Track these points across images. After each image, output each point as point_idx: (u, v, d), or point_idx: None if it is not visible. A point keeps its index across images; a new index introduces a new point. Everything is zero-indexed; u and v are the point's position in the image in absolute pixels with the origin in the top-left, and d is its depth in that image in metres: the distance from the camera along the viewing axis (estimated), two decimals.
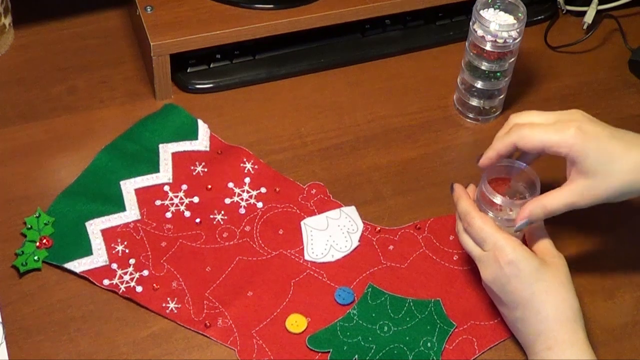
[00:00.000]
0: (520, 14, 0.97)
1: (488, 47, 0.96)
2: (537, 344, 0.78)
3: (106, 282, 0.86)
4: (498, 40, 0.96)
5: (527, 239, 0.85)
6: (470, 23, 0.97)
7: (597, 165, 0.79)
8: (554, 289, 0.79)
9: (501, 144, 0.84)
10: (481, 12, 0.97)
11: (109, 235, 0.89)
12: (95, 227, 0.89)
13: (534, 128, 0.82)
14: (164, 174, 0.95)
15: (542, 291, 0.79)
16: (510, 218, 0.84)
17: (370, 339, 0.83)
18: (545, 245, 0.83)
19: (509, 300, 0.80)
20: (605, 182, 0.80)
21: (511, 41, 0.96)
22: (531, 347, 0.79)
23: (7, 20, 1.06)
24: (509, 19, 0.97)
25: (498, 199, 0.84)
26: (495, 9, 0.98)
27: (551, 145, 0.80)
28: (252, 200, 0.94)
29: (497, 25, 0.95)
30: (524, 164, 0.86)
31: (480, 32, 0.96)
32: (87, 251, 0.87)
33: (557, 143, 0.80)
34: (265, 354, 0.82)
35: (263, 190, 0.95)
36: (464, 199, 0.85)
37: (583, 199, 0.81)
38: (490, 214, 0.84)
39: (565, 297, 0.79)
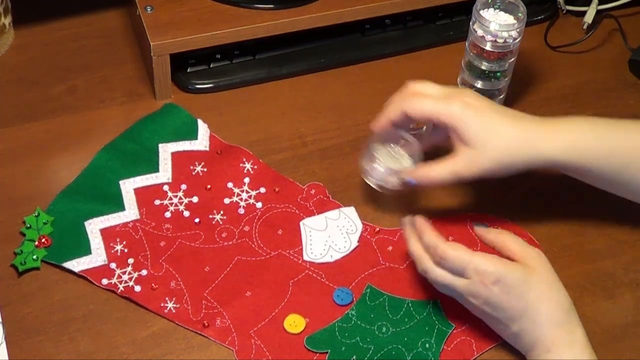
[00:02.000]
0: (520, 14, 0.96)
1: (488, 47, 0.96)
2: (535, 349, 0.79)
3: (105, 281, 0.86)
4: (498, 40, 0.95)
5: (499, 249, 0.84)
6: (470, 23, 0.97)
7: (478, 134, 0.83)
8: (545, 294, 0.79)
9: (392, 110, 0.87)
10: (481, 12, 0.96)
11: (108, 234, 0.89)
12: (94, 227, 0.90)
13: (424, 99, 0.86)
14: (164, 174, 0.95)
15: (534, 300, 0.78)
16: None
17: (368, 339, 0.83)
18: (518, 248, 0.82)
19: (504, 317, 0.80)
20: (486, 151, 0.83)
21: (511, 41, 0.96)
22: (530, 351, 0.79)
23: (7, 20, 1.07)
24: (509, 19, 0.97)
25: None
26: (495, 9, 0.98)
27: (437, 114, 0.84)
28: (252, 201, 0.94)
29: (497, 25, 0.95)
30: (408, 135, 0.89)
31: (480, 32, 0.96)
32: (86, 250, 0.88)
33: (442, 113, 0.84)
34: (264, 354, 0.82)
35: (262, 190, 0.95)
36: (429, 232, 0.82)
37: (468, 169, 0.84)
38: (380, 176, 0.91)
39: (557, 298, 0.79)
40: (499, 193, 0.96)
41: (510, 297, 0.78)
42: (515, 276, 0.79)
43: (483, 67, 0.98)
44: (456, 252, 0.80)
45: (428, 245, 0.82)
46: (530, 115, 0.87)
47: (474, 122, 0.83)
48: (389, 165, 0.85)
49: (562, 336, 0.78)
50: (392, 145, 0.87)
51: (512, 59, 0.99)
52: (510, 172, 0.85)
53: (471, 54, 0.99)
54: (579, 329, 0.79)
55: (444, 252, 0.80)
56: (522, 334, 0.79)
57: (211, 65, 1.06)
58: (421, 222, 0.84)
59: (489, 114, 0.84)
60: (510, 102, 1.06)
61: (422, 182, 0.87)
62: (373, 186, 0.92)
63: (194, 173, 0.96)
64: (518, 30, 0.96)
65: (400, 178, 0.89)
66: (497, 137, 0.83)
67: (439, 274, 0.81)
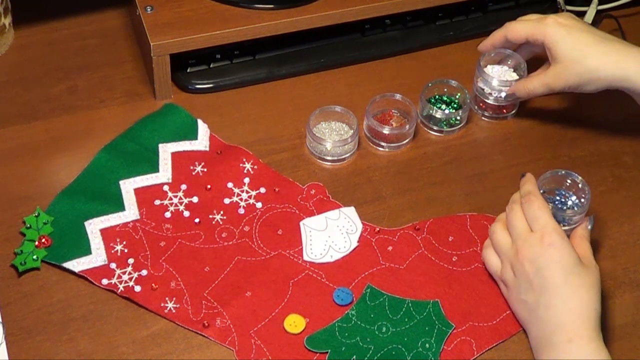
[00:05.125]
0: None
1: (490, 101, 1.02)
2: (556, 335, 0.79)
3: (105, 281, 0.86)
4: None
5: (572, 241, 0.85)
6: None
7: (567, 50, 0.93)
8: (585, 287, 0.80)
9: (495, 36, 1.01)
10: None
11: (108, 234, 0.89)
12: (94, 227, 0.90)
13: (521, 22, 0.98)
14: (164, 174, 0.95)
15: (574, 284, 0.80)
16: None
17: (368, 339, 0.83)
18: (585, 252, 0.85)
19: (539, 284, 0.81)
20: (574, 66, 0.93)
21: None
22: (549, 337, 0.79)
23: (7, 20, 1.07)
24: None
25: (386, 130, 0.99)
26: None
27: (532, 33, 0.96)
28: (252, 201, 0.94)
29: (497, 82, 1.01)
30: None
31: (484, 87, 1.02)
32: (86, 250, 0.88)
33: (535, 32, 0.95)
34: (264, 354, 0.82)
35: (262, 190, 0.95)
36: (532, 184, 0.87)
37: (555, 81, 0.95)
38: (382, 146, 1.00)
39: (592, 298, 0.80)
40: (501, 193, 0.96)
41: (557, 268, 0.80)
42: (571, 255, 0.81)
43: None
44: (540, 204, 0.84)
45: (525, 190, 0.86)
46: (618, 38, 0.95)
47: (564, 41, 0.93)
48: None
49: (586, 331, 0.78)
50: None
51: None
52: (592, 88, 0.95)
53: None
54: (600, 333, 0.79)
55: (534, 197, 0.85)
56: (549, 310, 0.80)
57: (211, 65, 1.06)
58: (530, 176, 0.88)
59: (579, 34, 0.94)
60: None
61: (521, 94, 0.99)
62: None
63: (194, 173, 0.96)
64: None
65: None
66: (583, 55, 0.93)
67: (516, 212, 0.85)
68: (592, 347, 0.77)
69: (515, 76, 1.02)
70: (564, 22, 0.95)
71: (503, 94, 1.01)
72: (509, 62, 1.03)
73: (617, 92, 1.09)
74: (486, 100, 1.02)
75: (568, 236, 0.85)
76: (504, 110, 1.03)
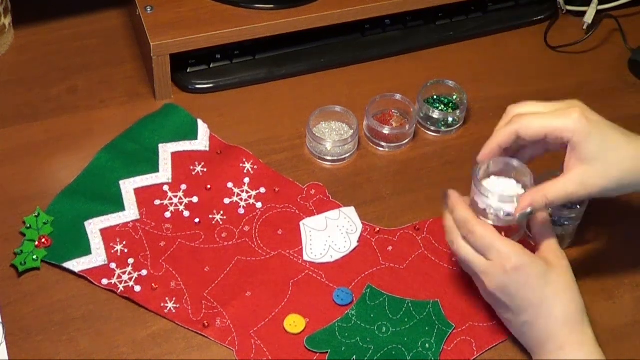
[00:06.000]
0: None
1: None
2: (548, 345, 0.78)
3: (105, 281, 0.86)
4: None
5: (534, 236, 0.84)
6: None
7: (599, 151, 0.78)
8: (561, 291, 0.79)
9: (502, 134, 0.82)
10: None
11: (108, 234, 0.89)
12: (94, 227, 0.90)
13: (536, 116, 0.80)
14: (164, 174, 0.95)
15: (551, 294, 0.78)
16: (505, 213, 0.80)
17: (368, 339, 0.83)
18: (550, 244, 0.82)
19: (516, 306, 0.79)
20: (605, 169, 0.78)
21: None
22: (541, 348, 0.79)
23: (7, 20, 1.07)
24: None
25: (386, 130, 0.94)
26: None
27: (554, 129, 0.79)
28: (252, 201, 0.94)
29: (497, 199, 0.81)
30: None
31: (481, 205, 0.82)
32: (86, 250, 0.88)
33: (561, 128, 0.78)
34: (264, 354, 0.82)
35: (262, 190, 0.95)
36: (462, 206, 0.81)
37: (583, 187, 0.79)
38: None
39: (572, 298, 0.79)
40: None
41: (529, 288, 0.78)
42: (536, 268, 0.78)
43: None
44: (484, 231, 0.79)
45: (458, 219, 0.81)
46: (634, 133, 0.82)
47: (594, 137, 0.78)
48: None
49: (575, 335, 0.78)
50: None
51: None
52: (623, 192, 0.81)
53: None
54: (590, 330, 0.79)
55: (473, 227, 0.79)
56: (533, 326, 0.79)
57: (211, 65, 1.06)
58: (455, 197, 0.82)
59: (608, 130, 0.79)
60: (509, 102, 1.05)
61: (539, 205, 0.80)
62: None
63: (194, 173, 0.96)
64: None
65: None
66: (616, 155, 0.78)
67: (462, 247, 0.80)
68: (584, 351, 0.77)
69: (520, 189, 0.83)
70: (590, 117, 0.79)
71: (503, 213, 0.81)
72: (510, 173, 0.84)
73: (613, 92, 1.09)
74: (487, 222, 0.82)
75: (569, 235, 0.85)
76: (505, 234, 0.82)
